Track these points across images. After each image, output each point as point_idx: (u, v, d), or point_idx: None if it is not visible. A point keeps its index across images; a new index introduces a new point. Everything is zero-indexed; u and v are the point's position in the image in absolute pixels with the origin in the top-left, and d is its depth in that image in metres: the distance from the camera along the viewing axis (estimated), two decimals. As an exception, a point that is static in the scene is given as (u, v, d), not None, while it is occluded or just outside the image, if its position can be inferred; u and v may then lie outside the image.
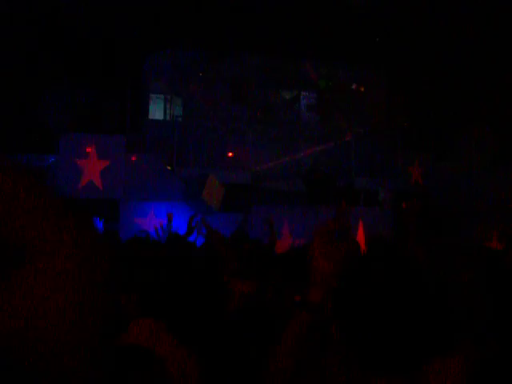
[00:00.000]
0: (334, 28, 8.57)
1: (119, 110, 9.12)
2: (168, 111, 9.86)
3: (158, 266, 1.78)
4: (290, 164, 9.30)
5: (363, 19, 8.44)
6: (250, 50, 9.24)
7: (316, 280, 1.43)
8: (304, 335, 1.33)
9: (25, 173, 0.56)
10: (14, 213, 0.53)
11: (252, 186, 8.17)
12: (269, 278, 2.59)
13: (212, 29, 8.16)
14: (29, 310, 0.53)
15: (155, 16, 8.65)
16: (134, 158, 7.91)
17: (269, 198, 7.75)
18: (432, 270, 3.18)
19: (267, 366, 1.34)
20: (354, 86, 10.12)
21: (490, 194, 8.77)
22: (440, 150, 9.68)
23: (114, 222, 6.81)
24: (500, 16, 7.81)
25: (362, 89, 9.89)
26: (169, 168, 8.73)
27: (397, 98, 10.18)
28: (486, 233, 8.17)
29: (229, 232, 4.24)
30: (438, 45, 9.08)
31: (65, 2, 7.22)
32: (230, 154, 9.05)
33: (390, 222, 8.09)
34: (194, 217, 4.34)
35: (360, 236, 6.80)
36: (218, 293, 2.00)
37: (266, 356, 1.42)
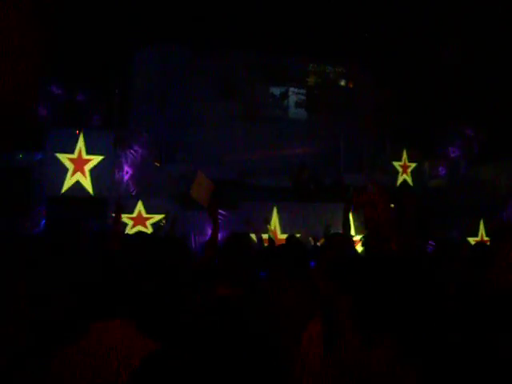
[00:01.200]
0: (322, 24, 8.57)
1: (107, 106, 9.06)
2: (155, 107, 9.79)
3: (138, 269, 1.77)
4: (278, 160, 9.31)
5: (350, 15, 8.46)
6: (237, 47, 9.20)
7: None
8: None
9: None
10: None
11: (239, 183, 8.17)
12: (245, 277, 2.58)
13: (199, 26, 8.12)
14: None
15: (142, 12, 8.59)
16: (122, 154, 7.87)
17: (256, 195, 7.77)
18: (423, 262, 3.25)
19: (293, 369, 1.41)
20: (342, 83, 10.14)
21: (476, 189, 8.87)
22: (427, 146, 9.77)
23: (102, 221, 6.73)
24: (486, 16, 7.87)
25: (351, 85, 9.90)
26: (157, 164, 8.69)
27: (384, 94, 10.23)
28: (471, 228, 8.28)
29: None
30: (426, 40, 9.13)
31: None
32: (218, 151, 9.04)
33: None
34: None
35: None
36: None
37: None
